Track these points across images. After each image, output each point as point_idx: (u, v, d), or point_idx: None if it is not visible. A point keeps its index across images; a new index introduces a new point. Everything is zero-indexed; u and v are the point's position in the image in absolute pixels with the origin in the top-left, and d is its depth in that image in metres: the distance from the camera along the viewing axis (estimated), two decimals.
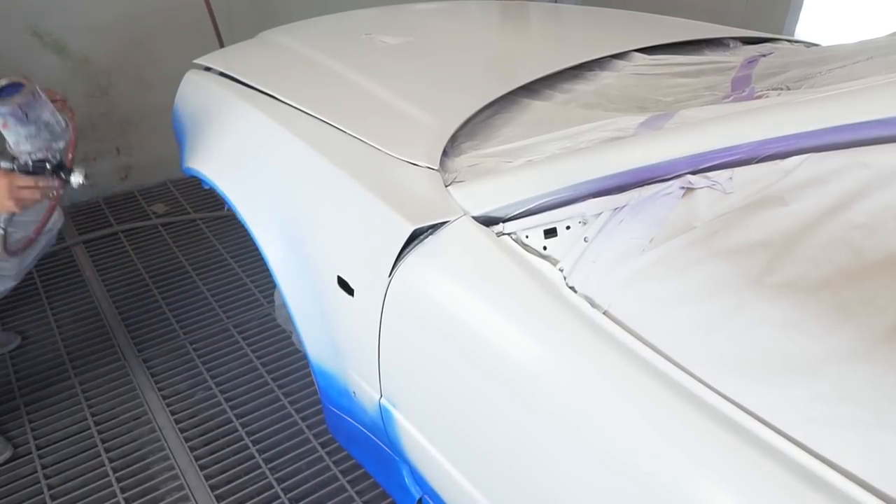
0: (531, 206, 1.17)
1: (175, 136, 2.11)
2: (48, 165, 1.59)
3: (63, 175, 1.62)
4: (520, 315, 1.09)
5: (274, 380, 2.24)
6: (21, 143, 1.54)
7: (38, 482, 1.88)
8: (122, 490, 1.87)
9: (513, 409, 1.07)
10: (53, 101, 1.99)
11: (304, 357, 1.66)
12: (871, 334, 0.81)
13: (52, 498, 1.84)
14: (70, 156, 2.02)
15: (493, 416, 1.11)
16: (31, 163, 1.57)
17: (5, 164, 1.55)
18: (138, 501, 1.84)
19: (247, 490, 1.88)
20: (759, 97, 1.28)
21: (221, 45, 2.94)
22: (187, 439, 2.03)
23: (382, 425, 1.42)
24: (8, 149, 1.55)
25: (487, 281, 1.14)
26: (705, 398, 0.89)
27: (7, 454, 1.92)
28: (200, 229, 3.04)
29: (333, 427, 1.74)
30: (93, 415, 2.10)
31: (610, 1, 2.96)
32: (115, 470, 1.93)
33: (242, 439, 2.03)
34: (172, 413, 2.11)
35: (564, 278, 1.08)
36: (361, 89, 1.70)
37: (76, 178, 1.61)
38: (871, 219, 0.88)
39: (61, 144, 1.60)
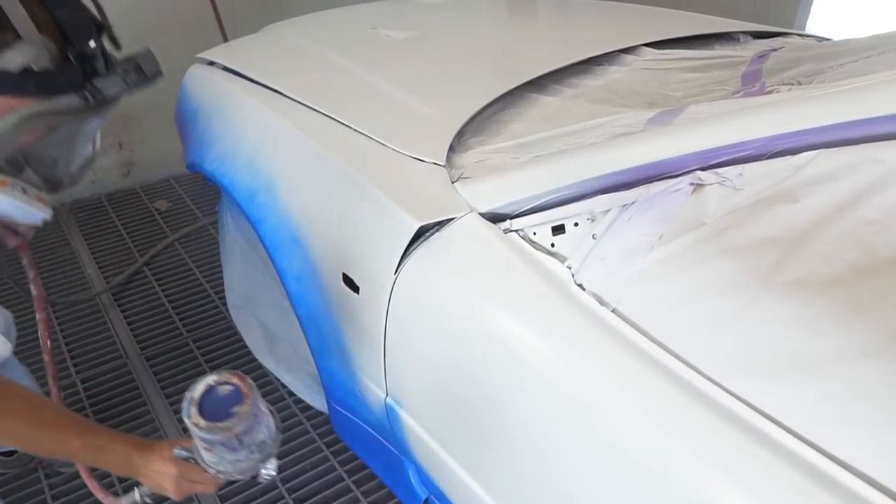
0: (539, 202, 1.16)
1: (178, 132, 2.10)
2: None
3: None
4: (527, 313, 1.08)
5: (278, 378, 2.23)
6: (222, 465, 1.09)
7: (40, 482, 1.88)
8: (125, 490, 1.86)
9: (520, 408, 1.06)
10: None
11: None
12: (883, 332, 0.81)
13: (54, 499, 1.84)
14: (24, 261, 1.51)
15: (499, 415, 1.10)
16: None
17: (180, 452, 1.10)
18: None
19: (251, 490, 1.87)
20: (770, 92, 1.27)
21: (225, 40, 2.93)
22: None
23: (388, 424, 1.41)
24: (199, 458, 1.10)
25: (494, 278, 1.14)
26: (715, 397, 0.88)
27: None
28: (203, 226, 3.03)
29: (338, 426, 1.74)
30: (94, 413, 2.10)
31: None
32: None
33: None
34: (175, 413, 2.10)
35: (572, 276, 1.08)
36: (367, 84, 1.69)
37: (267, 472, 1.17)
38: (882, 215, 0.87)
39: (271, 465, 1.16)
